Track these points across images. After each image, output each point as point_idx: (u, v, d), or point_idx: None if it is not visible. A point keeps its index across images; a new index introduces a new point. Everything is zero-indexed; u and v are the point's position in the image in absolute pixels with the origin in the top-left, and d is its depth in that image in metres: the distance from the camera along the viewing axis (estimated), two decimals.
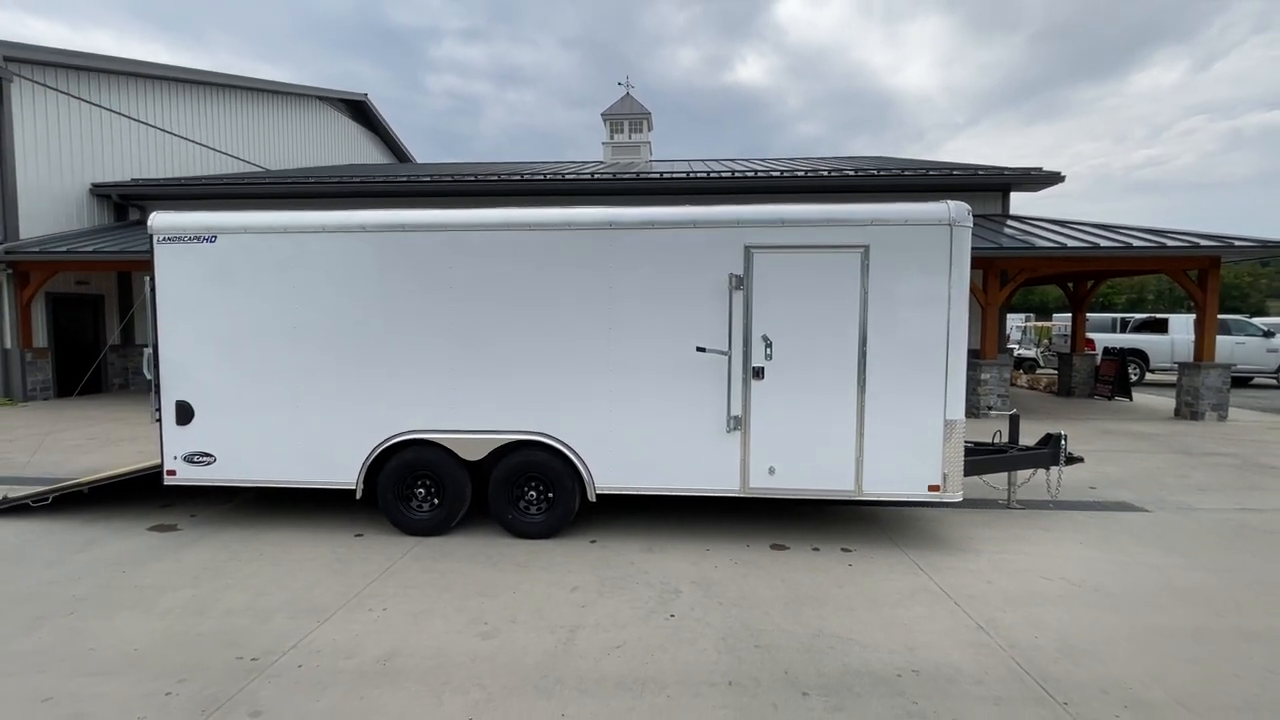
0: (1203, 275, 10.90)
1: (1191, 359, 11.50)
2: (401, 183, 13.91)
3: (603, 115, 23.21)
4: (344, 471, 5.03)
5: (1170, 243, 10.37)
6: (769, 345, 4.73)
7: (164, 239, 5.02)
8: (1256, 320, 20.99)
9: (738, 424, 4.77)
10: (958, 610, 3.78)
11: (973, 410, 11.14)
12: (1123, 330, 19.06)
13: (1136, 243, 10.44)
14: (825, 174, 13.32)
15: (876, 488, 4.75)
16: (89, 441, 8.58)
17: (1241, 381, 18.28)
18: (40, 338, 12.76)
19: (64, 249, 11.58)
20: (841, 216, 4.66)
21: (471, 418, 4.94)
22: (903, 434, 4.69)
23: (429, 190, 13.80)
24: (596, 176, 13.67)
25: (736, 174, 13.51)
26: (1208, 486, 6.65)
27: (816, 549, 4.81)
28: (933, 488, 4.71)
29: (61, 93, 12.90)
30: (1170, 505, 5.97)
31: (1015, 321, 27.45)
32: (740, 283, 4.71)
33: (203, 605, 3.83)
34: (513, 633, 3.50)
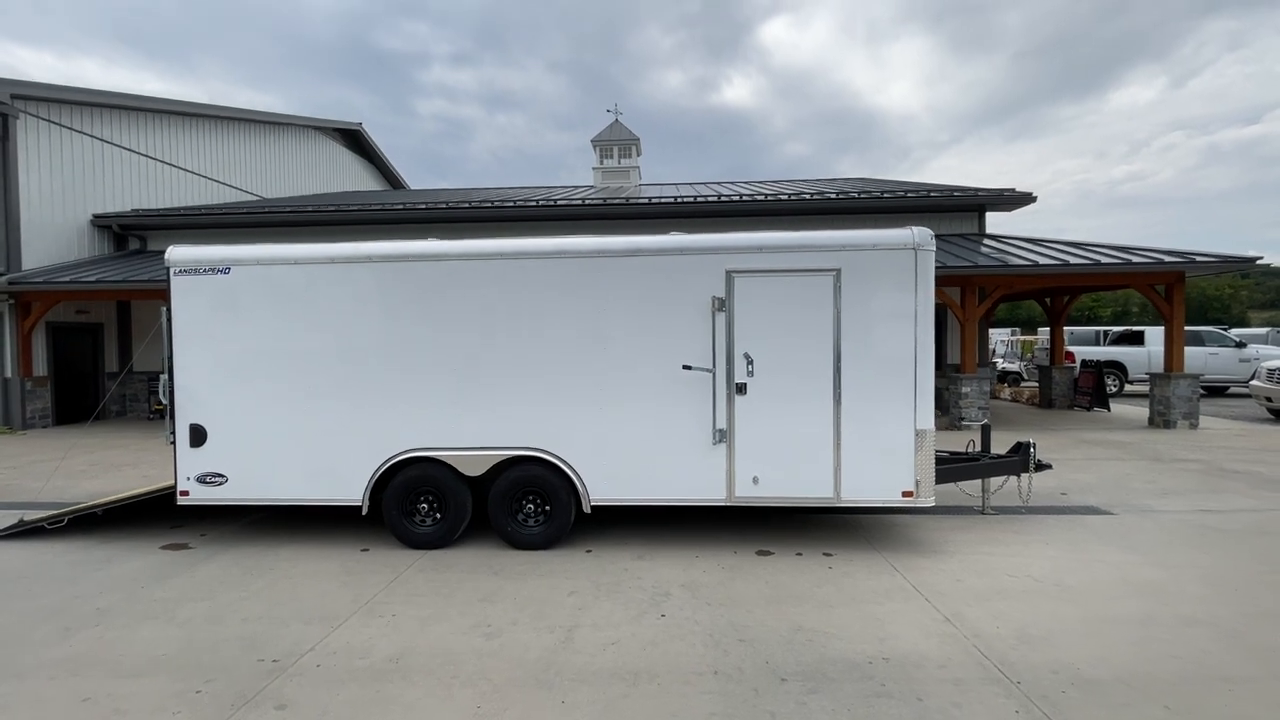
0: (1169, 290, 11.39)
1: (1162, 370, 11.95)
2: (397, 210, 14.29)
3: (593, 141, 23.80)
4: (350, 489, 5.29)
5: (1136, 259, 10.87)
6: (750, 362, 5.07)
7: (180, 271, 5.33)
8: (1234, 331, 21.62)
9: (723, 437, 5.09)
10: (928, 605, 4.08)
11: (954, 423, 11.52)
12: (1103, 343, 19.59)
13: (1104, 259, 10.93)
14: (808, 197, 13.82)
15: (854, 495, 5.07)
16: (92, 467, 8.77)
17: (1218, 391, 18.80)
18: (40, 366, 12.94)
19: (67, 279, 11.83)
20: (815, 243, 5.04)
21: (472, 435, 5.23)
22: (876, 443, 5.02)
23: (424, 217, 14.19)
24: (587, 202, 14.11)
25: (722, 198, 13.98)
26: (1172, 490, 7.00)
27: (799, 553, 5.10)
28: (906, 494, 5.03)
29: (65, 127, 13.25)
30: (1134, 509, 6.31)
31: (1001, 336, 28.05)
32: (723, 304, 5.06)
33: (221, 615, 4.07)
34: (514, 633, 3.76)
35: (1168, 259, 10.82)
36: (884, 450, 5.02)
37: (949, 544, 5.30)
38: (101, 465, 8.93)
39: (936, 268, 10.72)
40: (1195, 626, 3.75)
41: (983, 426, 6.56)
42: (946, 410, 12.38)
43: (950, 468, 6.19)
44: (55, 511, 5.78)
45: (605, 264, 5.16)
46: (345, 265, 5.26)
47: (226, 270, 5.31)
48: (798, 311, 5.05)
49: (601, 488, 5.19)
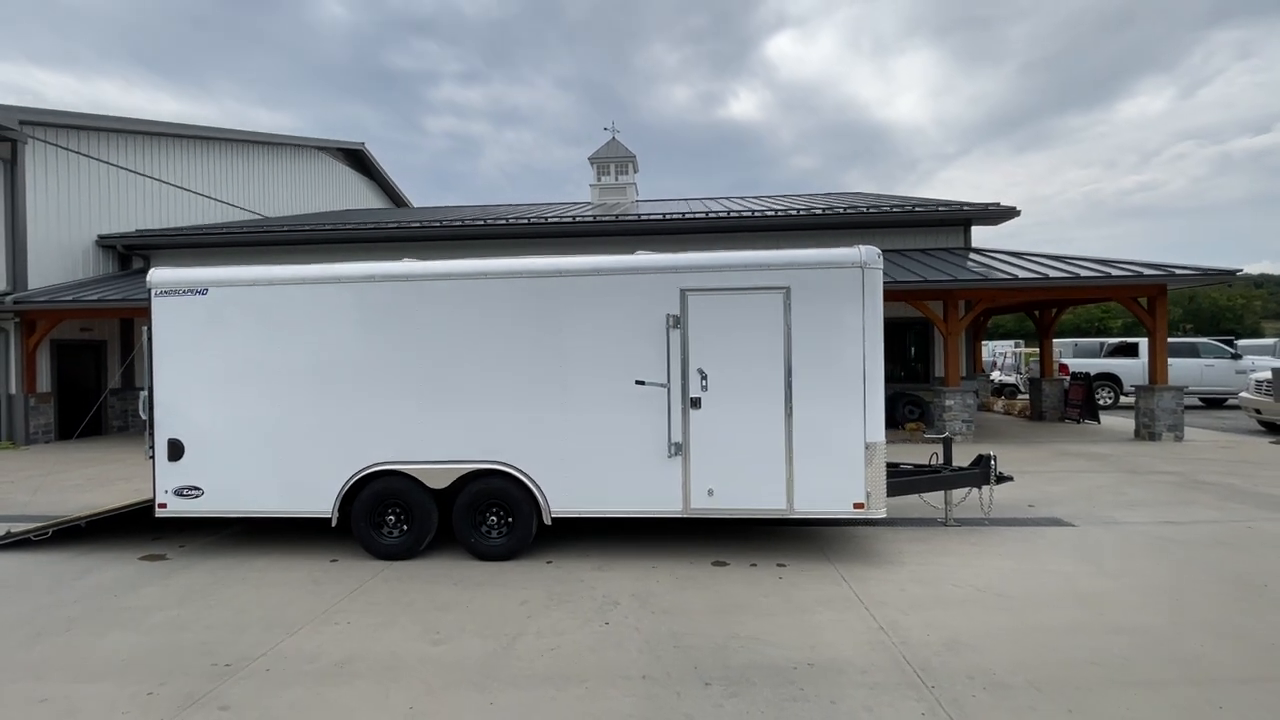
0: (1152, 302, 11.46)
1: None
2: (393, 229, 14.62)
3: (590, 159, 24.20)
4: (321, 501, 5.47)
5: (1115, 272, 10.96)
6: (704, 378, 5.23)
7: (160, 292, 5.57)
8: (1243, 342, 21.50)
9: (678, 450, 5.24)
10: (866, 614, 4.19)
11: (940, 435, 11.57)
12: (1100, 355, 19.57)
13: (1084, 273, 11.03)
14: (794, 213, 14.02)
15: (806, 506, 5.19)
16: (88, 482, 9.01)
17: (1216, 403, 18.70)
18: (44, 383, 13.28)
19: (69, 298, 12.19)
20: (764, 261, 5.21)
21: (436, 449, 5.40)
22: (827, 456, 5.15)
23: (420, 235, 14.51)
24: (578, 220, 14.38)
25: (710, 215, 14.21)
26: (1140, 503, 7.05)
27: (754, 564, 5.22)
28: (857, 505, 5.15)
29: (71, 151, 13.71)
30: (1098, 520, 6.38)
31: (1004, 348, 27.97)
32: (677, 322, 5.23)
33: (186, 622, 4.24)
34: (461, 640, 3.91)
35: (1146, 272, 10.90)
36: (835, 463, 5.15)
37: (903, 555, 5.40)
38: (98, 480, 9.17)
39: (917, 282, 10.89)
40: (1123, 635, 3.83)
41: (944, 439, 6.67)
42: (931, 423, 12.45)
43: (912, 480, 6.31)
44: (40, 524, 6.00)
45: (564, 283, 5.36)
46: (315, 286, 5.48)
47: (204, 291, 5.54)
48: (750, 328, 5.21)
49: (562, 500, 5.35)
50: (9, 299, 12.29)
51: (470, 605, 4.46)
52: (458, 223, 14.48)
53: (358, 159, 25.18)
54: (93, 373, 14.50)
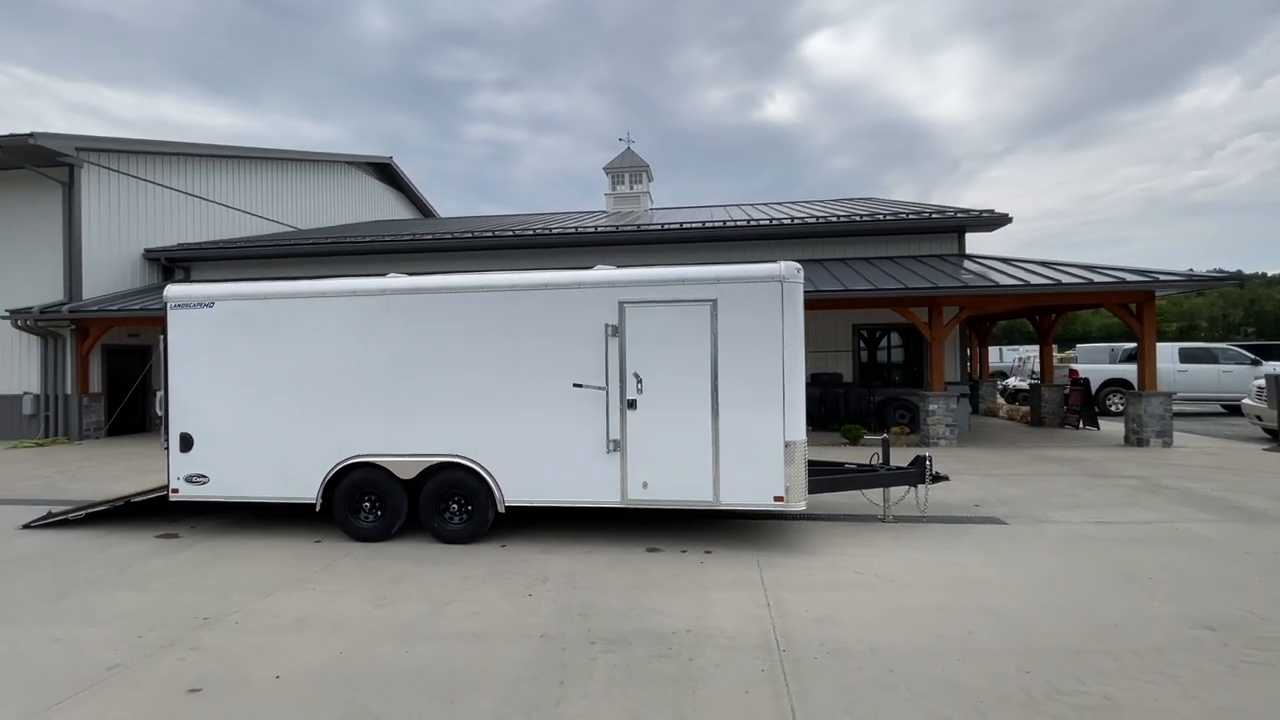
0: (1140, 308, 11.50)
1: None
2: (407, 240, 15.58)
3: (605, 169, 24.95)
4: (307, 489, 6.23)
5: (1097, 278, 11.06)
6: (640, 381, 5.79)
7: (174, 305, 6.43)
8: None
9: (617, 446, 5.81)
10: (761, 594, 4.68)
11: (924, 440, 11.83)
12: (1114, 361, 19.28)
13: (1065, 279, 11.16)
14: (786, 222, 14.44)
15: (731, 498, 5.70)
16: (125, 472, 10.07)
17: (1236, 409, 18.22)
18: (96, 384, 14.62)
19: (117, 307, 13.45)
20: (693, 276, 5.75)
21: (405, 444, 6.10)
22: (750, 453, 5.65)
23: (434, 247, 15.45)
24: (579, 230, 15.09)
25: (707, 225, 14.75)
26: (1084, 504, 7.30)
27: (684, 551, 5.75)
28: (778, 498, 5.63)
29: (121, 173, 15.06)
30: (1032, 519, 6.68)
31: (1028, 351, 27.55)
32: (615, 330, 5.81)
33: (181, 587, 5.02)
34: (402, 605, 4.56)
35: (1130, 278, 10.97)
36: (757, 459, 5.64)
37: (826, 546, 5.85)
38: (135, 470, 10.22)
39: (898, 290, 11.22)
40: (983, 614, 4.25)
41: (883, 440, 7.07)
42: (916, 428, 12.69)
43: (852, 477, 6.76)
44: (76, 507, 6.93)
45: (518, 296, 6.00)
46: (302, 300, 6.25)
47: (210, 304, 6.38)
48: (681, 337, 5.75)
49: (513, 491, 5.97)
50: (65, 308, 13.63)
51: (420, 578, 5.12)
52: (468, 234, 15.34)
53: (386, 172, 26.49)
54: (138, 375, 15.81)
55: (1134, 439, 11.54)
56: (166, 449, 6.44)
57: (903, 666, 3.55)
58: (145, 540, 6.34)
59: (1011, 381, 23.11)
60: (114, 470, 10.28)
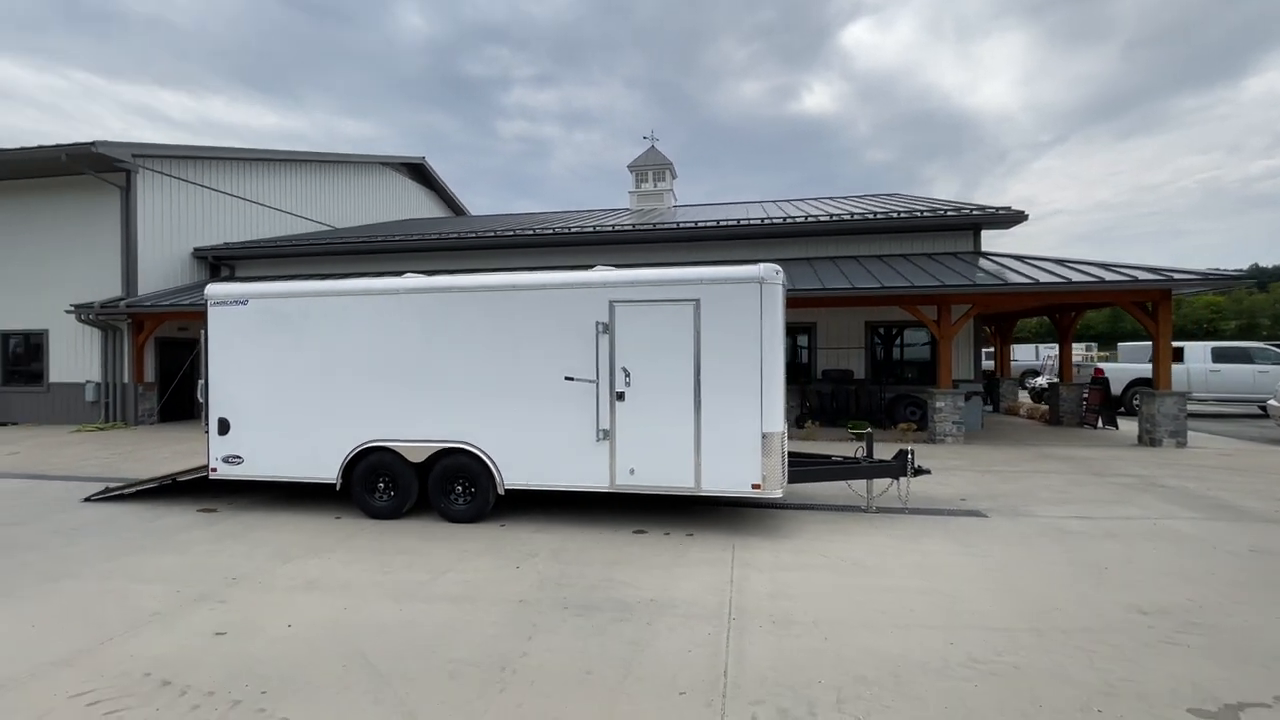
0: (1155, 307, 11.39)
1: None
2: (434, 239, 16.31)
3: (629, 167, 25.37)
4: (329, 470, 6.85)
5: (1109, 276, 11.01)
6: (628, 375, 6.22)
7: (213, 302, 7.12)
8: None
9: (606, 435, 6.25)
10: (727, 572, 5.08)
11: (932, 437, 11.95)
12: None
13: (1077, 277, 11.14)
14: (800, 220, 14.63)
15: (712, 485, 6.09)
16: (174, 455, 10.97)
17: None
18: (150, 373, 15.76)
19: (168, 303, 14.49)
20: (677, 278, 6.15)
21: (416, 431, 6.66)
22: (730, 443, 6.02)
23: (457, 244, 16.14)
24: (597, 229, 15.57)
25: (721, 223, 15.05)
26: (1072, 500, 7.44)
27: (667, 533, 6.17)
28: (755, 486, 6.00)
29: (172, 177, 16.15)
30: (1012, 513, 6.88)
31: (1054, 351, 26.96)
32: (606, 328, 6.25)
33: (215, 553, 5.67)
34: (403, 573, 5.11)
35: (1143, 277, 10.89)
36: (736, 449, 6.02)
37: (802, 533, 6.19)
38: (183, 454, 11.12)
39: (905, 287, 11.39)
40: (930, 595, 4.56)
41: (866, 434, 7.34)
42: (924, 425, 12.80)
43: (833, 468, 7.07)
44: (129, 483, 7.72)
45: (517, 296, 6.49)
46: (325, 298, 6.86)
47: (245, 302, 7.05)
48: (666, 334, 6.16)
49: (512, 475, 6.48)
50: (123, 303, 14.74)
51: (423, 551, 5.66)
52: (490, 233, 15.97)
53: (419, 171, 27.43)
54: (188, 365, 16.94)
55: (1147, 439, 11.46)
56: (207, 432, 7.15)
57: (838, 635, 3.91)
58: (188, 513, 7.06)
59: (1040, 380, 22.74)
60: (164, 454, 11.20)
